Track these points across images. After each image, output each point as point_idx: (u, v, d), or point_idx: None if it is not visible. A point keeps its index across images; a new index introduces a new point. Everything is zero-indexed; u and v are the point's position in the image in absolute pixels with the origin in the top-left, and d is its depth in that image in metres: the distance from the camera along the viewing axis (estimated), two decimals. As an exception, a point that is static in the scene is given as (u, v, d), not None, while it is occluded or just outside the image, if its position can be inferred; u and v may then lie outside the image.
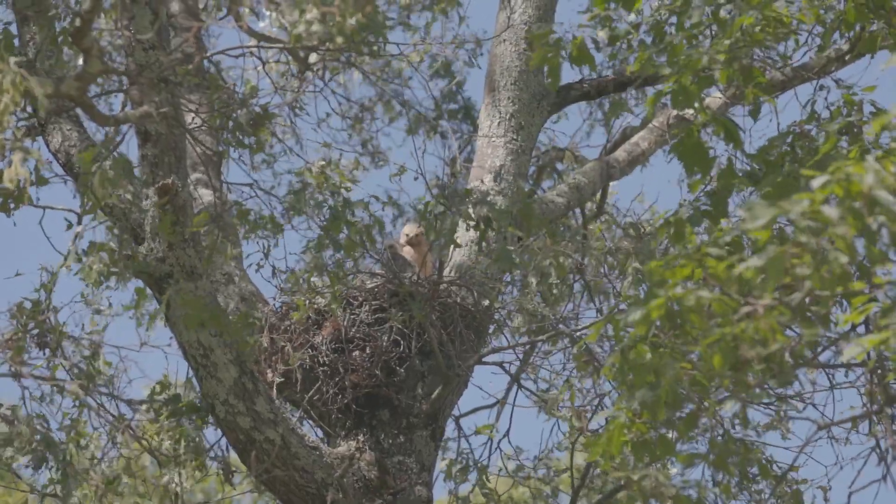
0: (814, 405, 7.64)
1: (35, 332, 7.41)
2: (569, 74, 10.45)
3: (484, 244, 8.19)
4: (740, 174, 5.47)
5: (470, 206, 7.64)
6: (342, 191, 8.06)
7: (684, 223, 5.18)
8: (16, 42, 7.58)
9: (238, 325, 7.08)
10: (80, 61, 7.57)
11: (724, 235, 4.59)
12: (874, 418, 6.59)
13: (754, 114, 5.83)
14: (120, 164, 6.58)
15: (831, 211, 4.21)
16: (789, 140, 5.44)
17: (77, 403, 7.59)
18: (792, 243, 4.24)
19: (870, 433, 6.71)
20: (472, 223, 7.69)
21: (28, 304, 7.49)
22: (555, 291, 8.42)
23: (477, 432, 8.70)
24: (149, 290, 7.28)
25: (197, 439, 7.70)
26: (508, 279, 8.65)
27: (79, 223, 7.46)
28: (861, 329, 6.08)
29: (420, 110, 11.37)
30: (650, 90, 9.80)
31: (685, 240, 5.17)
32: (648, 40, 5.79)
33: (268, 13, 8.87)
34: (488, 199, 7.95)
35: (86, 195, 6.72)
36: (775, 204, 4.26)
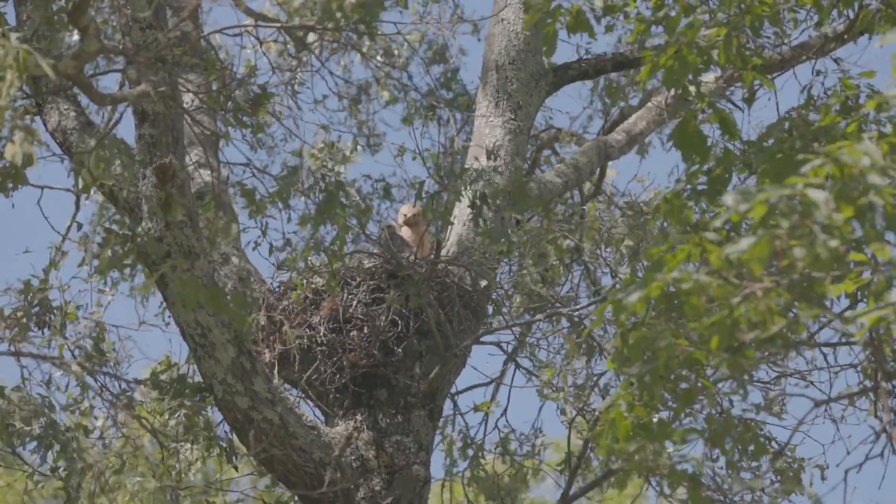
0: (812, 383, 7.66)
1: (35, 310, 7.41)
2: (567, 54, 10.42)
3: (481, 221, 8.18)
4: (737, 163, 5.46)
5: (464, 185, 7.62)
6: (335, 173, 8.05)
7: (681, 198, 5.18)
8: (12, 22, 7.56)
9: (235, 306, 7.07)
10: (75, 38, 7.55)
11: (716, 218, 4.59)
12: (871, 396, 6.61)
13: (749, 100, 5.83)
14: (116, 146, 6.56)
15: (818, 195, 4.21)
16: (786, 126, 5.43)
17: (78, 384, 7.59)
18: (779, 227, 4.24)
19: (872, 411, 6.73)
20: (467, 202, 7.68)
21: (35, 282, 7.48)
22: (549, 271, 8.41)
23: (475, 409, 8.71)
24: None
25: (205, 419, 7.70)
26: (506, 260, 8.64)
27: (76, 206, 7.47)
28: (858, 305, 6.08)
29: (417, 94, 11.33)
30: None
31: (682, 217, 5.17)
32: (646, 13, 5.77)
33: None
34: (485, 177, 7.94)
35: (79, 174, 6.71)
36: (764, 189, 4.27)
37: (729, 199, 4.32)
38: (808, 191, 4.21)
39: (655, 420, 4.88)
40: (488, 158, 8.78)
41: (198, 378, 7.81)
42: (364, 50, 10.87)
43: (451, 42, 11.45)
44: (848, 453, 5.85)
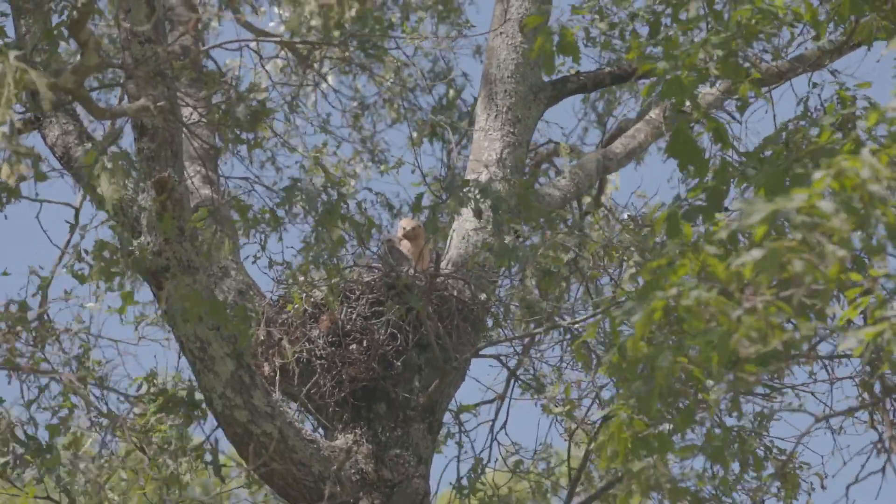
0: (813, 394, 7.67)
1: (35, 325, 7.40)
2: (565, 66, 10.46)
3: (488, 228, 8.19)
4: (735, 176, 5.48)
5: (471, 193, 7.62)
6: (337, 186, 8.05)
7: (679, 218, 5.19)
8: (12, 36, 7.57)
9: (237, 319, 7.08)
10: (79, 56, 7.57)
11: (720, 230, 4.59)
12: (870, 409, 6.62)
13: (742, 108, 5.85)
14: (119, 159, 6.57)
15: (827, 205, 4.22)
16: (783, 137, 5.45)
17: (65, 398, 7.58)
18: (787, 239, 4.25)
19: (870, 423, 6.73)
20: (472, 209, 7.68)
21: (14, 306, 7.46)
22: (548, 281, 8.41)
23: (460, 410, 8.69)
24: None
25: (183, 433, 7.69)
26: (505, 272, 8.64)
27: (75, 220, 7.44)
28: (857, 320, 6.10)
29: (424, 114, 11.32)
30: (646, 83, 9.79)
31: (681, 234, 5.17)
32: (643, 31, 5.79)
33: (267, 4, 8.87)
34: (492, 184, 7.96)
35: (88, 193, 6.72)
36: (772, 200, 4.27)
37: (736, 206, 4.33)
38: (817, 202, 4.22)
39: (655, 433, 4.89)
40: (497, 166, 8.79)
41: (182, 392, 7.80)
42: (372, 69, 10.85)
43: (452, 59, 11.44)
44: (853, 480, 5.88)
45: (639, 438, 4.79)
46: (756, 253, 4.25)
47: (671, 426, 4.81)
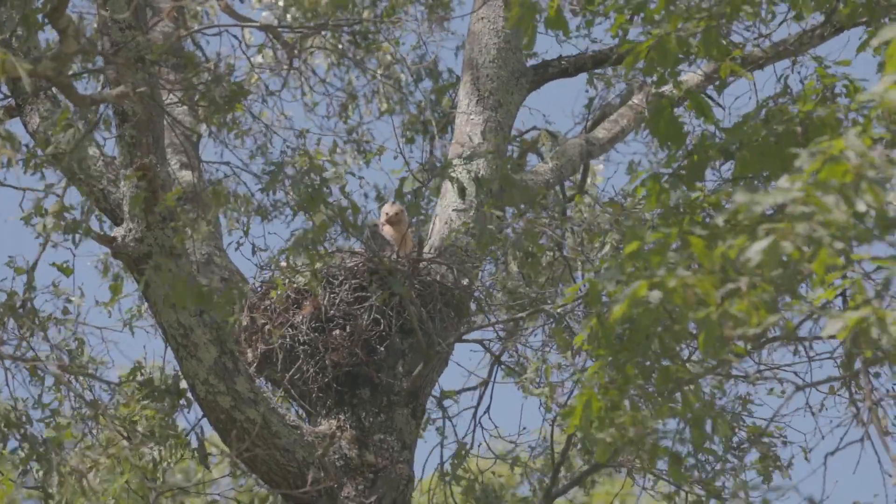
0: (796, 373, 7.71)
1: (20, 311, 7.39)
2: (547, 46, 10.42)
3: (470, 213, 8.20)
4: (713, 150, 5.49)
5: (457, 164, 7.61)
6: (321, 171, 8.03)
7: (660, 182, 5.20)
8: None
9: (222, 302, 7.06)
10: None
11: (717, 218, 4.59)
12: (851, 383, 6.67)
13: (721, 87, 5.86)
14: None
15: (827, 198, 4.23)
16: (763, 114, 5.46)
17: (53, 387, 7.56)
18: (785, 230, 4.25)
19: (850, 400, 6.78)
20: (456, 188, 7.68)
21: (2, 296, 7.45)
22: (531, 264, 8.41)
23: (443, 396, 8.68)
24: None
25: (170, 421, 7.68)
26: (489, 254, 8.64)
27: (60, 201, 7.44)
28: (838, 301, 6.13)
29: (414, 108, 11.29)
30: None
31: (662, 200, 5.18)
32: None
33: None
34: (474, 159, 7.96)
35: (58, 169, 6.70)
36: (768, 191, 4.28)
37: (739, 197, 4.33)
38: (817, 193, 4.23)
39: (628, 400, 4.92)
40: (482, 138, 8.80)
41: (170, 380, 7.80)
42: (359, 57, 10.83)
43: (434, 46, 11.43)
44: (833, 451, 5.93)
45: (611, 407, 4.81)
46: (757, 252, 4.25)
47: (652, 405, 4.83)
